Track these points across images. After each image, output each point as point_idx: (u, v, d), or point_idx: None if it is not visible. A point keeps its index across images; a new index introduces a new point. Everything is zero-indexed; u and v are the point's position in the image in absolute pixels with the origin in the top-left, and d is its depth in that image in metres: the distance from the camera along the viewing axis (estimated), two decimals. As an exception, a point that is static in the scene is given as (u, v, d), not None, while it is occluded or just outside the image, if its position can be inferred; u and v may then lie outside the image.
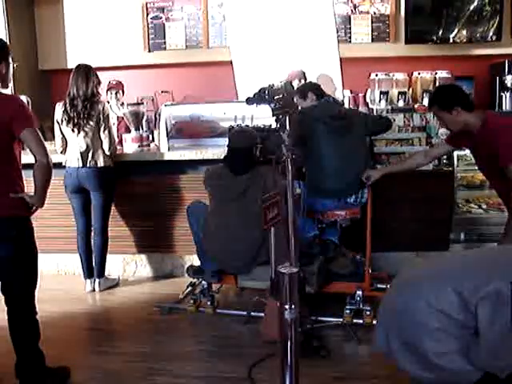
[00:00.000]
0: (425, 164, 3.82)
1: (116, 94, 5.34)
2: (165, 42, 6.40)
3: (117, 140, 4.59)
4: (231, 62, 5.66)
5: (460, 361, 1.98)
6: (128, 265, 4.78)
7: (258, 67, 5.22)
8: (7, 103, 2.76)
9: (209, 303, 3.91)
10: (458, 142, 3.47)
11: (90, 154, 4.22)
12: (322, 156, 3.83)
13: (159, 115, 4.78)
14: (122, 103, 5.13)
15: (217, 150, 4.50)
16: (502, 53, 6.05)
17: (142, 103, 5.05)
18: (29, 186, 2.90)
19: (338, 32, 5.62)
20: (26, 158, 2.91)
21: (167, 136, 4.67)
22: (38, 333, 2.91)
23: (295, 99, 4.04)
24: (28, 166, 2.85)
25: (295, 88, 4.19)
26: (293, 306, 1.76)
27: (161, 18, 6.38)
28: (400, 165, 4.00)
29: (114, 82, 5.40)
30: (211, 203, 3.81)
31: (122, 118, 4.92)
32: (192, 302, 3.97)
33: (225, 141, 4.61)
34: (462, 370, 1.98)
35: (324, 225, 4.03)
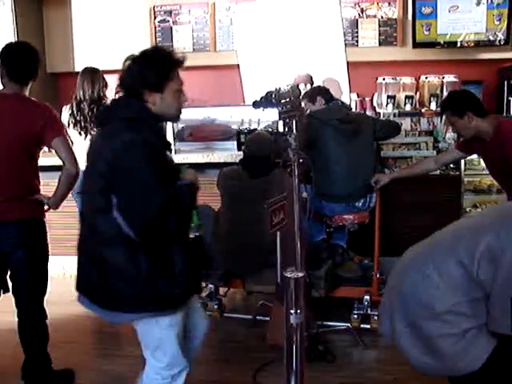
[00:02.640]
0: (434, 170, 3.82)
1: None
2: (172, 46, 6.39)
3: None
4: (238, 66, 5.67)
5: (462, 345, 1.94)
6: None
7: (265, 71, 5.22)
8: (37, 111, 2.79)
9: (216, 306, 3.90)
10: (469, 148, 3.45)
11: (97, 158, 4.23)
12: (330, 160, 3.82)
13: (166, 118, 4.78)
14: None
15: (224, 153, 4.52)
16: (511, 57, 6.03)
17: (149, 106, 5.06)
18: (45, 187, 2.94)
19: (345, 36, 5.61)
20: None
21: (174, 139, 4.69)
22: (47, 336, 2.93)
23: (304, 103, 4.06)
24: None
25: (303, 92, 4.19)
26: (298, 311, 1.75)
27: (168, 21, 6.39)
28: (409, 170, 4.00)
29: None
30: (224, 204, 3.77)
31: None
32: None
33: (232, 144, 4.66)
34: (463, 354, 1.95)
35: (332, 229, 4.02)
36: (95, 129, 4.15)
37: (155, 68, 2.11)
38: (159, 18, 6.41)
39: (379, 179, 3.80)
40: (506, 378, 1.97)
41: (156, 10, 6.39)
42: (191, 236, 2.19)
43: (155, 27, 6.41)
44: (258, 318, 3.69)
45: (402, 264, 2.22)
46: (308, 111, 4.00)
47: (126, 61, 2.16)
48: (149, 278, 2.02)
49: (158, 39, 6.42)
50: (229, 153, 4.50)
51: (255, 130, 4.36)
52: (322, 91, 4.12)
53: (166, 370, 2.23)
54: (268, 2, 5.52)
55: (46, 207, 2.91)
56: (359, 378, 3.07)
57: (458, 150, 3.57)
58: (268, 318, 3.46)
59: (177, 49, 6.36)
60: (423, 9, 6.01)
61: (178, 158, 4.47)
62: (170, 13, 6.38)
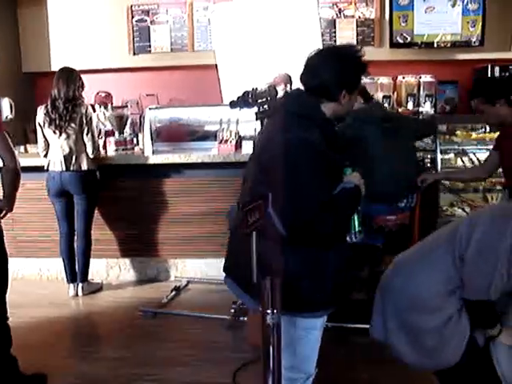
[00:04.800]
0: (483, 178, 3.79)
1: (105, 107, 5.24)
2: (150, 45, 6.37)
3: (101, 144, 4.57)
4: (216, 66, 5.65)
5: (446, 335, 2.08)
6: (112, 269, 4.75)
7: (243, 71, 5.22)
8: None
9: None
10: (498, 145, 3.42)
11: (74, 158, 4.19)
12: (374, 159, 3.72)
13: (144, 118, 4.76)
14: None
15: (202, 153, 4.50)
16: (485, 58, 6.11)
17: (126, 106, 5.03)
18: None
19: (322, 36, 5.65)
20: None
21: (152, 139, 4.66)
22: (9, 339, 2.85)
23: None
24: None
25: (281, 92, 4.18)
26: (275, 311, 1.75)
27: (146, 20, 6.35)
28: (459, 175, 3.98)
29: (103, 95, 5.31)
30: None
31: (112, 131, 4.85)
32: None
33: (211, 144, 4.64)
34: (447, 346, 2.09)
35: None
36: (71, 126, 4.14)
37: (356, 69, 2.09)
38: (136, 18, 6.36)
39: (426, 178, 3.77)
40: (482, 368, 2.13)
41: (133, 9, 6.35)
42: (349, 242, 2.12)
43: (133, 27, 6.36)
44: (236, 317, 3.68)
45: (394, 265, 2.33)
46: None
47: (315, 56, 2.10)
48: (293, 278, 1.94)
49: (135, 39, 6.37)
50: (207, 153, 4.49)
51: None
52: (361, 90, 4.07)
53: (290, 371, 2.16)
54: (246, 2, 5.51)
55: (2, 212, 2.83)
56: (340, 377, 3.08)
57: (494, 150, 3.49)
58: (247, 318, 3.45)
59: (154, 49, 6.35)
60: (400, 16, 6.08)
61: (155, 159, 4.48)
62: (147, 12, 6.34)
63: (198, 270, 4.60)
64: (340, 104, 2.06)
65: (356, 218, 2.07)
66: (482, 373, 2.13)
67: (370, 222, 3.81)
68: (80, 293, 4.38)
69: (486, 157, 3.71)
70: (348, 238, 2.07)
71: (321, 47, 2.16)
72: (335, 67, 2.02)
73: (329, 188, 1.99)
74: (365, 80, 5.72)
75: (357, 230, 2.07)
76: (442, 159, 4.39)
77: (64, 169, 4.19)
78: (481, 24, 6.04)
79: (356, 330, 3.48)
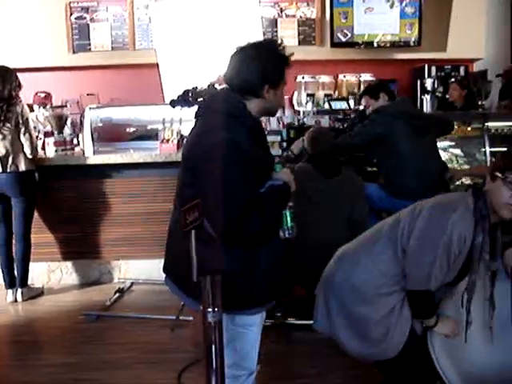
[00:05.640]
0: None
1: (44, 107, 5.10)
2: (90, 44, 6.25)
3: (40, 144, 4.45)
4: (158, 65, 5.60)
5: (389, 325, 2.15)
6: (53, 272, 4.62)
7: (185, 70, 5.18)
8: None
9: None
10: None
11: (11, 159, 4.06)
12: (403, 155, 3.75)
13: (84, 118, 4.66)
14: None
15: (144, 153, 4.44)
16: (423, 57, 6.30)
17: (66, 106, 4.91)
18: None
19: (264, 35, 5.69)
20: None
21: (92, 139, 4.57)
22: None
23: (365, 100, 4.04)
24: None
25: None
26: (216, 309, 1.74)
27: (85, 18, 6.22)
28: (483, 169, 4.01)
29: (43, 95, 5.15)
30: (295, 204, 3.55)
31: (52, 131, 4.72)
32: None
33: (153, 144, 4.59)
34: (390, 336, 2.15)
35: None
36: (6, 126, 4.00)
37: (278, 64, 2.06)
38: (75, 15, 6.23)
39: (454, 175, 3.79)
40: (421, 362, 2.20)
41: (72, 6, 6.21)
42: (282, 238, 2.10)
43: (71, 24, 6.23)
44: (180, 318, 3.65)
45: (334, 260, 2.37)
46: (370, 108, 3.97)
47: (237, 53, 2.07)
48: (229, 277, 1.92)
49: (74, 37, 6.24)
50: (148, 153, 4.43)
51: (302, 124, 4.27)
52: (385, 88, 4.08)
53: (232, 368, 2.14)
54: (187, 1, 5.48)
55: None
56: (284, 373, 3.11)
57: None
58: (191, 318, 3.43)
59: (94, 47, 6.23)
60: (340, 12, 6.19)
61: (95, 159, 4.39)
62: (86, 9, 6.21)
63: (141, 271, 4.54)
64: (266, 100, 2.06)
65: (288, 213, 2.07)
66: (420, 361, 2.20)
67: None
68: (19, 298, 4.24)
69: None
70: (281, 234, 2.08)
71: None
72: (255, 63, 2.02)
73: (256, 186, 1.99)
74: (307, 79, 5.84)
75: (289, 225, 2.07)
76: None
77: (0, 170, 4.05)
78: (418, 27, 6.23)
79: (301, 325, 3.53)
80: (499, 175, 2.02)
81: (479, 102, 5.67)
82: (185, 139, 4.36)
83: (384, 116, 3.80)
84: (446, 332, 2.20)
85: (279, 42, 2.10)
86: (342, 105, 5.23)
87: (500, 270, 2.22)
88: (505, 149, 4.11)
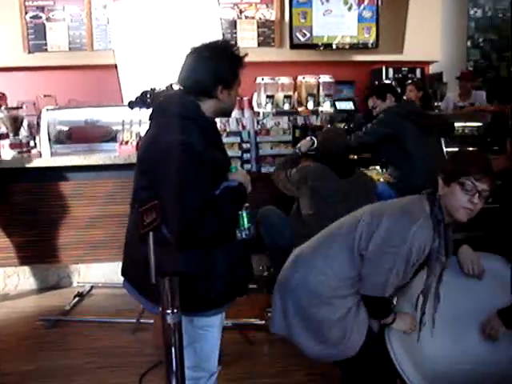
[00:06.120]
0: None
1: None
2: (46, 44, 6.12)
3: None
4: (116, 66, 5.53)
5: (346, 327, 2.17)
6: (9, 278, 4.51)
7: (144, 71, 5.14)
8: None
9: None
10: None
11: (-37, 162, 3.96)
12: (412, 154, 3.83)
13: (41, 120, 4.57)
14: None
15: (102, 155, 4.39)
16: (380, 59, 6.41)
17: (21, 107, 4.79)
18: None
19: (223, 36, 5.68)
20: None
21: (50, 141, 4.48)
22: None
23: (371, 100, 4.11)
24: None
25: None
26: (175, 310, 1.74)
27: (41, 17, 6.09)
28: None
29: None
30: (309, 205, 3.49)
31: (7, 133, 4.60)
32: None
33: (112, 146, 4.54)
34: (347, 337, 2.17)
35: None
36: None
37: (231, 65, 2.06)
38: (31, 14, 6.10)
39: None
40: (379, 359, 2.22)
41: (27, 4, 6.07)
42: (239, 239, 2.10)
43: (27, 23, 6.08)
44: (141, 320, 3.62)
45: (290, 260, 2.36)
46: (377, 108, 4.06)
47: (191, 54, 2.07)
48: (186, 279, 1.90)
49: (30, 36, 6.10)
50: (107, 155, 4.38)
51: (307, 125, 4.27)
52: (392, 89, 4.20)
53: (192, 370, 2.13)
54: (146, 1, 5.44)
55: None
56: (247, 374, 3.12)
57: None
58: (152, 321, 3.41)
59: (51, 47, 6.11)
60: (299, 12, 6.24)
61: (53, 161, 4.31)
62: (42, 8, 6.09)
63: (101, 274, 4.48)
64: (220, 100, 2.07)
65: (244, 214, 2.08)
66: (379, 358, 2.23)
67: None
68: (-26, 305, 4.15)
69: None
70: (238, 235, 2.09)
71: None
72: (208, 64, 2.03)
73: (211, 188, 1.99)
74: (266, 80, 5.86)
75: (246, 226, 2.08)
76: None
77: (-47, 174, 3.95)
78: (375, 30, 6.34)
79: (261, 325, 3.55)
80: (454, 180, 2.06)
81: (435, 104, 5.81)
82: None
83: (392, 116, 3.93)
84: (404, 328, 2.24)
85: (232, 42, 2.13)
86: (347, 105, 5.29)
87: (450, 265, 2.28)
88: (457, 149, 4.22)
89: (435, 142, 4.05)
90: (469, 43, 6.50)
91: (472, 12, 6.44)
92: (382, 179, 4.15)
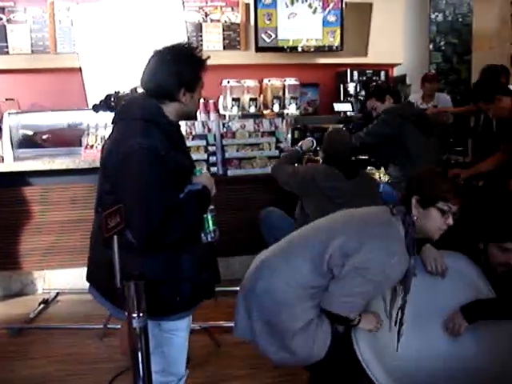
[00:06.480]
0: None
1: None
2: (7, 46, 5.99)
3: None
4: (81, 69, 5.47)
5: (309, 335, 2.17)
6: (-29, 286, 4.41)
7: (108, 74, 5.10)
8: None
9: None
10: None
11: None
12: (414, 155, 3.86)
13: (2, 124, 4.48)
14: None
15: (67, 159, 4.33)
16: (345, 62, 6.49)
17: (-20, 111, 4.70)
18: None
19: (189, 39, 5.69)
20: None
21: (12, 146, 4.40)
22: None
23: (371, 102, 4.13)
24: None
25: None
26: (141, 314, 1.73)
27: (1, 19, 5.96)
28: (485, 166, 4.07)
29: None
30: (316, 205, 3.48)
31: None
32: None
33: (77, 150, 4.47)
34: (311, 344, 2.18)
35: None
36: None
37: (193, 67, 2.04)
38: (-10, 15, 5.96)
39: (458, 173, 3.90)
40: (346, 359, 2.23)
41: (-14, 6, 5.94)
42: (205, 242, 2.10)
43: (-15, 25, 5.95)
44: (109, 326, 3.58)
45: (255, 266, 2.34)
46: (377, 110, 4.08)
47: (153, 57, 2.06)
48: (152, 283, 1.88)
49: (-11, 38, 5.97)
50: (72, 159, 4.33)
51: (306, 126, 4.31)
52: (391, 90, 4.21)
53: (160, 375, 2.11)
54: (111, 4, 5.40)
55: None
56: (215, 377, 3.11)
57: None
58: (119, 326, 3.38)
59: (13, 50, 6.00)
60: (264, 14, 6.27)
61: (17, 166, 4.24)
62: (2, 10, 5.95)
63: (67, 280, 4.41)
64: (183, 103, 2.06)
65: (210, 217, 2.08)
66: (346, 358, 2.24)
67: None
68: None
69: None
70: (203, 238, 2.08)
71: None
72: (170, 66, 2.02)
73: (175, 192, 1.98)
74: (232, 83, 5.87)
75: (211, 229, 2.08)
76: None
77: None
78: (340, 34, 6.41)
79: (229, 328, 3.53)
80: (432, 205, 2.12)
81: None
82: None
83: (393, 117, 3.98)
84: (369, 327, 2.27)
85: (195, 45, 2.12)
86: (346, 107, 5.31)
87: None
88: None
89: (435, 143, 4.13)
90: (431, 46, 6.61)
91: (433, 16, 6.55)
92: (381, 178, 4.22)
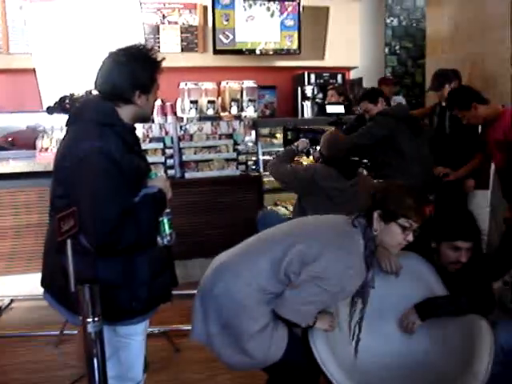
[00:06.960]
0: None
1: None
2: (-43, 46, 5.82)
3: None
4: (34, 70, 5.36)
5: (266, 338, 2.17)
6: None
7: (64, 75, 5.01)
8: None
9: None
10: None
11: None
12: (407, 155, 3.95)
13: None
14: None
15: (21, 162, 4.24)
16: (303, 65, 6.55)
17: None
18: None
19: (146, 41, 5.65)
20: None
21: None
22: None
23: (363, 104, 4.22)
24: None
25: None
26: (96, 319, 1.71)
27: (-50, 18, 5.79)
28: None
29: None
30: (316, 204, 3.48)
31: None
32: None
33: (31, 153, 4.38)
34: (267, 347, 2.17)
35: None
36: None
37: (148, 69, 2.00)
38: None
39: (446, 172, 4.07)
40: (303, 359, 2.26)
41: None
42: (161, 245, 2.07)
43: None
44: (65, 332, 3.51)
45: (214, 268, 2.33)
46: (370, 112, 4.15)
47: (107, 59, 2.01)
48: (108, 288, 1.85)
49: None
50: (26, 162, 4.24)
51: (299, 127, 4.30)
52: (383, 93, 4.33)
53: (117, 380, 2.06)
54: (66, 3, 5.31)
55: None
56: (174, 381, 3.09)
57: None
58: (76, 332, 3.32)
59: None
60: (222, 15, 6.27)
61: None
62: (-48, 9, 5.78)
63: (21, 286, 4.30)
64: (138, 106, 2.04)
65: (166, 220, 2.06)
66: (302, 357, 2.26)
67: None
68: None
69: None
70: (159, 241, 2.07)
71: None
72: (124, 68, 1.99)
73: (129, 195, 1.96)
74: (190, 85, 5.85)
75: (167, 232, 2.07)
76: (263, 160, 4.61)
77: None
78: (297, 38, 6.48)
79: (188, 331, 3.52)
80: (394, 220, 2.13)
81: (355, 108, 5.98)
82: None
83: (387, 118, 4.06)
84: (325, 327, 2.29)
85: (149, 47, 2.09)
86: (337, 109, 5.31)
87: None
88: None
89: (426, 145, 4.23)
90: (387, 50, 6.73)
91: (389, 21, 6.68)
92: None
